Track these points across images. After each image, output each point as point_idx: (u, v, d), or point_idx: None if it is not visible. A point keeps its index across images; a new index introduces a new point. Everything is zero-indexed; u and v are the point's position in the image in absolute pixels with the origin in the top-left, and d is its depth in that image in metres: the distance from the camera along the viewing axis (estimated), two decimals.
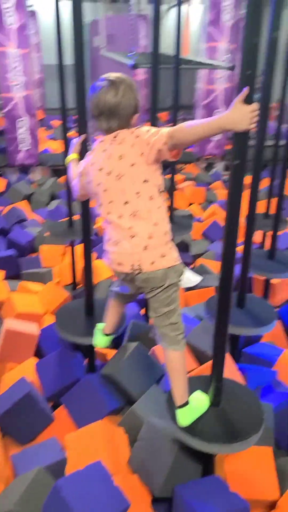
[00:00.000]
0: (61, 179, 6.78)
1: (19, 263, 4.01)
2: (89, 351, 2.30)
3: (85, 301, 2.22)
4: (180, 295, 1.64)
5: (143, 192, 1.47)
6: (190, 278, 1.66)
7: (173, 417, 1.64)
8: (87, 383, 2.12)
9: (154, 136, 1.39)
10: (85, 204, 2.08)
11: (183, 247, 4.62)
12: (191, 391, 1.66)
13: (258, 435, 1.53)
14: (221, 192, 6.11)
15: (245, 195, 6.03)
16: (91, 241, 2.20)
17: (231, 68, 4.31)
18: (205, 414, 1.61)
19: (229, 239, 1.47)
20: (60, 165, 7.01)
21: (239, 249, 4.22)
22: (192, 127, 1.28)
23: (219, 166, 7.45)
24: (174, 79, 3.03)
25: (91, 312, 2.24)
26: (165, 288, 1.54)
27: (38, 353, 2.71)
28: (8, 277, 3.95)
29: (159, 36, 2.24)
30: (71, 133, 9.30)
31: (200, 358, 2.45)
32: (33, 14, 11.61)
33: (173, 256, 1.54)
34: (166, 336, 1.61)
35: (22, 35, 6.15)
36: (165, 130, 1.38)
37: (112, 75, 1.48)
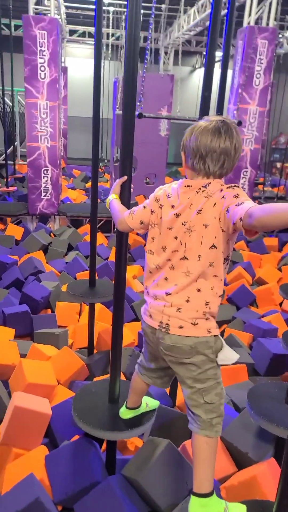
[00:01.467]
0: (80, 230, 6.63)
1: (32, 321, 3.73)
2: (110, 446, 1.95)
3: (110, 387, 1.90)
4: (221, 373, 1.43)
5: (206, 257, 1.33)
6: (228, 355, 1.43)
7: None
8: (106, 491, 1.76)
9: (235, 206, 1.21)
10: (120, 260, 1.81)
11: None
12: None
13: None
14: (246, 253, 5.86)
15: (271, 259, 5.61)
16: (123, 308, 1.91)
17: (239, 124, 4.54)
18: None
19: None
20: (79, 215, 6.95)
21: (273, 318, 3.93)
22: (280, 212, 1.04)
23: None
24: None
25: (116, 399, 1.92)
26: (197, 363, 1.37)
27: (48, 434, 2.37)
28: (19, 336, 3.67)
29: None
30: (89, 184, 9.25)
31: (239, 459, 2.08)
32: (64, 69, 12.13)
33: (207, 327, 1.37)
34: (199, 418, 1.39)
35: (52, 88, 6.24)
36: (248, 204, 1.18)
37: (221, 118, 1.37)
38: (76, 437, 2.28)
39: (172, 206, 1.40)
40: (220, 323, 4.19)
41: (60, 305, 3.99)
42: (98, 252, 5.46)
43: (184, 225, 1.35)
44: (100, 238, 6.24)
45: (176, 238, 1.38)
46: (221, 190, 1.30)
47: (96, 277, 3.33)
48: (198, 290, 1.35)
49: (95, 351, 3.44)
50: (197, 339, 1.35)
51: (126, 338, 3.35)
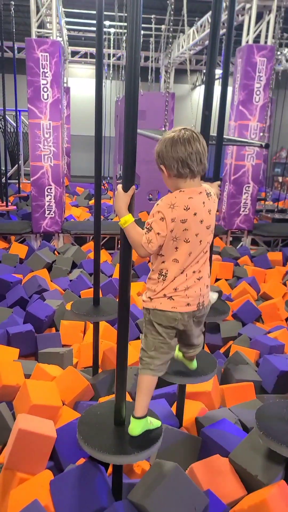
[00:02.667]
0: (84, 247, 6.64)
1: (36, 340, 3.70)
2: (116, 470, 1.91)
3: (115, 409, 1.87)
4: None
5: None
6: (212, 296, 1.92)
7: None
8: None
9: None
10: (124, 278, 1.79)
11: (212, 328, 4.27)
12: None
13: None
14: (250, 268, 5.84)
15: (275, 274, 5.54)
16: (128, 327, 1.88)
17: (266, 146, 4.42)
18: None
19: None
20: (83, 233, 6.97)
21: (279, 334, 3.89)
22: None
23: (246, 241, 7.25)
24: (216, 155, 2.87)
25: (122, 422, 1.88)
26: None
27: (53, 457, 2.32)
28: (23, 355, 3.64)
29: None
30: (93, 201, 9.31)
31: (248, 482, 2.02)
32: (67, 89, 12.33)
33: None
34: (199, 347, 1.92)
35: (55, 108, 6.33)
36: None
37: (183, 127, 1.57)
38: (81, 460, 2.23)
39: (195, 214, 1.58)
40: (226, 340, 4.17)
41: (64, 324, 3.97)
42: (102, 269, 5.45)
43: (208, 228, 1.63)
44: (104, 255, 6.24)
45: (201, 242, 1.62)
46: (214, 200, 1.67)
47: (101, 295, 3.31)
48: (208, 265, 1.72)
49: (100, 370, 3.40)
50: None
51: (131, 357, 3.29)
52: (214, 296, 2.15)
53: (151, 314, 1.68)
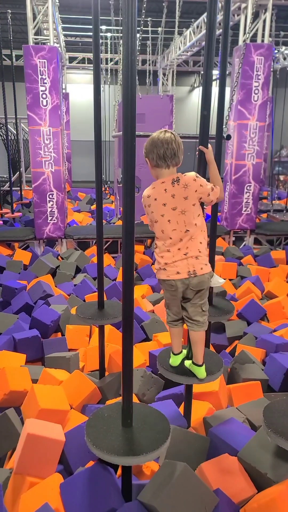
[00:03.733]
0: (87, 252, 6.65)
1: (43, 345, 3.71)
2: (125, 471, 1.91)
3: (123, 410, 1.88)
4: None
5: (198, 223, 1.98)
6: (217, 279, 2.38)
7: None
8: None
9: (211, 192, 1.99)
10: (127, 281, 1.80)
11: (217, 328, 4.27)
12: None
13: None
14: (254, 267, 5.83)
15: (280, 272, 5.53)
16: (132, 329, 1.89)
17: (228, 138, 4.69)
18: None
19: None
20: (86, 238, 6.99)
21: (285, 332, 3.88)
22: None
23: (249, 240, 7.24)
24: (217, 151, 2.87)
25: (130, 423, 1.88)
26: (205, 286, 2.03)
27: (62, 460, 2.33)
28: (30, 361, 3.65)
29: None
30: (94, 206, 9.34)
31: (258, 481, 2.02)
32: (66, 95, 12.38)
33: (209, 265, 2.06)
34: (198, 322, 2.09)
35: (54, 114, 6.36)
36: (217, 190, 2.01)
37: (164, 129, 1.99)
38: (91, 463, 2.24)
39: (155, 199, 1.97)
40: (231, 339, 4.16)
41: (70, 328, 3.98)
42: (105, 273, 5.46)
43: (175, 209, 1.94)
44: (107, 259, 6.25)
45: (169, 221, 1.95)
46: (195, 180, 1.95)
47: (105, 298, 3.32)
48: (201, 242, 2.00)
49: (106, 373, 3.41)
50: (208, 273, 2.02)
51: (137, 359, 3.32)
52: (220, 280, 2.42)
53: (161, 283, 2.06)
